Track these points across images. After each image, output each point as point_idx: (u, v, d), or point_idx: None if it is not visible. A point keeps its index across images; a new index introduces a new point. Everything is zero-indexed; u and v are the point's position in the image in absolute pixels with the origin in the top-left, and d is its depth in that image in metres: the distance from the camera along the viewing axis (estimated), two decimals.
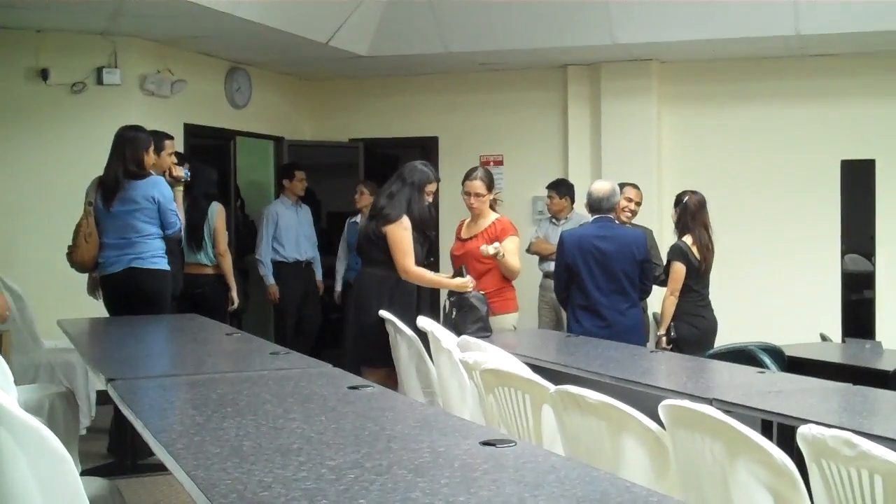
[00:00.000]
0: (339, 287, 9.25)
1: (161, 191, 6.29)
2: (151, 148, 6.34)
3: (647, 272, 6.52)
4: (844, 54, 9.14)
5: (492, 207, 6.64)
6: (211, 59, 8.86)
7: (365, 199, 8.53)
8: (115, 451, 6.41)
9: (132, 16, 7.29)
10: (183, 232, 6.65)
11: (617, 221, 6.75)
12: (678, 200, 7.02)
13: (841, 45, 8.89)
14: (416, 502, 1.95)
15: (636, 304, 6.52)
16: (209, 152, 8.65)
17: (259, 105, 9.47)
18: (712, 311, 6.95)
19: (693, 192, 7.00)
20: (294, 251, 8.77)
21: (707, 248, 6.87)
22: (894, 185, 9.10)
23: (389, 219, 6.02)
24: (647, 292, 6.68)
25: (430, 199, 6.20)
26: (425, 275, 6.12)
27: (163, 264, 6.36)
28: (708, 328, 6.86)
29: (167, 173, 6.60)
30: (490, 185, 6.57)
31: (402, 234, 6.00)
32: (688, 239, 6.85)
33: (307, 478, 2.12)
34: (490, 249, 6.27)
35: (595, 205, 6.53)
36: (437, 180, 6.31)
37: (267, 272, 8.73)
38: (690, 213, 6.89)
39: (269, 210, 8.87)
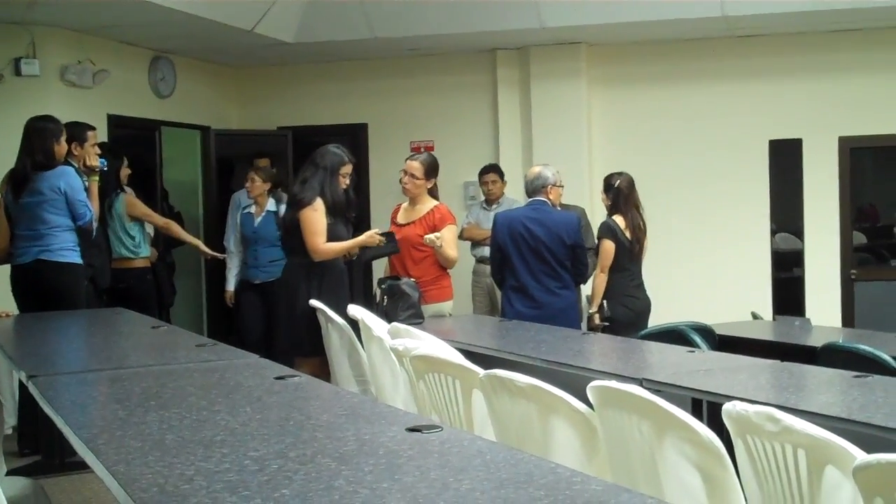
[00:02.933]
0: (230, 286, 8.35)
1: (68, 181, 6.17)
2: (63, 138, 6.23)
3: (579, 257, 6.53)
4: (771, 34, 9.23)
5: (433, 195, 6.59)
6: (133, 49, 8.71)
7: (258, 186, 8.03)
8: (30, 450, 6.35)
9: (50, 5, 7.13)
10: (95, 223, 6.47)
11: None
12: (609, 185, 7.05)
13: (767, 26, 8.98)
14: (340, 490, 1.94)
15: (569, 286, 6.53)
16: (134, 143, 8.48)
17: (184, 94, 9.34)
18: (645, 291, 7.00)
19: (620, 174, 7.07)
20: None
21: (639, 228, 6.92)
22: (821, 163, 9.23)
23: (302, 203, 5.97)
24: (583, 277, 6.69)
25: (347, 182, 6.15)
26: (334, 246, 6.05)
27: (73, 257, 6.23)
28: (641, 308, 6.91)
29: (82, 163, 6.46)
30: (429, 172, 6.50)
31: (312, 215, 5.95)
32: (619, 219, 6.89)
33: (230, 469, 2.11)
34: (431, 239, 6.23)
35: (528, 187, 6.60)
36: (352, 162, 6.25)
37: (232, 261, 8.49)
38: (623, 195, 6.94)
39: (234, 197, 8.78)
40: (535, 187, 6.57)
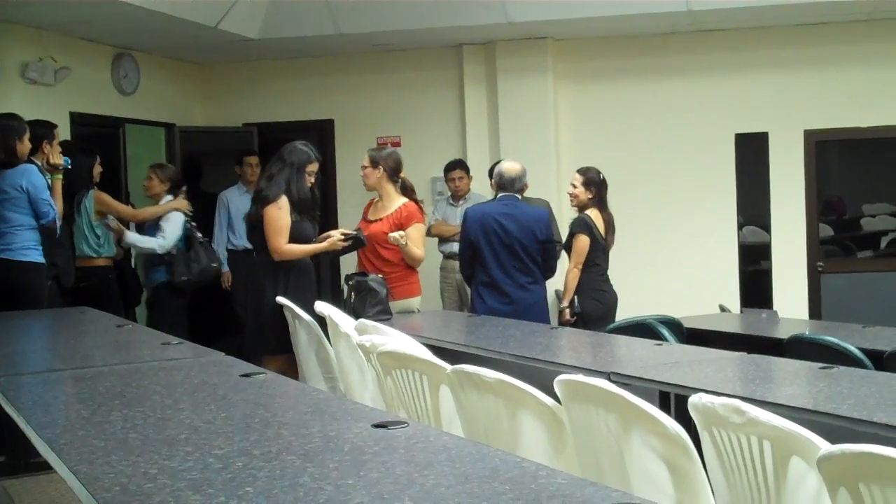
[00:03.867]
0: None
1: (30, 179, 6.11)
2: (27, 136, 6.16)
3: (549, 252, 6.55)
4: (736, 29, 9.27)
5: (405, 194, 6.56)
6: (96, 46, 8.62)
7: (154, 185, 7.80)
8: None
9: (9, 2, 7.04)
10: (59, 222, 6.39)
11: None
12: (592, 180, 6.99)
13: (733, 20, 9.01)
14: (304, 487, 1.94)
15: (538, 281, 6.54)
16: (97, 141, 8.39)
17: (148, 91, 9.25)
18: (612, 285, 7.02)
19: (598, 170, 7.09)
20: (244, 239, 8.45)
21: (610, 224, 6.95)
22: (787, 156, 9.28)
23: (267, 200, 5.94)
24: (552, 272, 6.70)
25: (313, 180, 6.12)
26: (295, 249, 6.01)
27: (35, 256, 6.17)
28: (610, 302, 6.93)
29: (45, 161, 6.40)
30: (375, 163, 6.47)
31: (275, 213, 5.92)
32: (594, 214, 6.89)
33: (193, 468, 2.10)
34: (395, 238, 6.21)
35: (508, 185, 6.53)
36: (319, 160, 6.23)
37: (221, 260, 8.41)
38: (604, 190, 6.98)
39: (222, 196, 8.69)
40: (515, 186, 6.56)
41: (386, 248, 6.34)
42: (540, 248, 6.46)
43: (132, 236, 7.53)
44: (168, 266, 7.53)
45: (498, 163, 7.02)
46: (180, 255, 7.52)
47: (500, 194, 6.60)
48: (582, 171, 7.04)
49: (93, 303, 6.39)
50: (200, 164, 9.81)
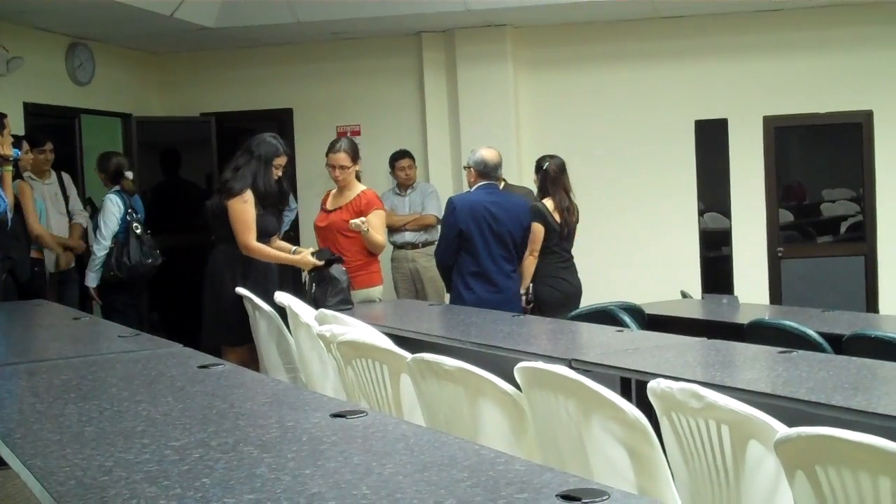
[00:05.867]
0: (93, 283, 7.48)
1: None
2: None
3: (526, 240, 6.58)
4: (696, 16, 9.30)
5: (358, 178, 6.54)
6: (50, 35, 8.50)
7: (102, 177, 7.65)
8: None
9: None
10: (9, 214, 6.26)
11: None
12: (539, 167, 7.09)
13: (692, 7, 9.05)
14: (262, 478, 1.93)
15: (517, 269, 6.56)
16: (53, 131, 8.29)
17: (104, 81, 9.15)
18: (575, 273, 7.02)
19: (552, 157, 7.11)
20: None
21: (568, 211, 6.95)
22: (747, 143, 9.33)
23: (232, 192, 5.89)
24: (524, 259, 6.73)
25: (280, 174, 6.07)
26: (265, 250, 5.98)
27: None
28: (570, 291, 6.93)
29: None
30: (355, 156, 6.44)
31: (241, 207, 5.87)
32: (548, 202, 6.91)
33: (150, 460, 2.09)
34: (357, 224, 6.17)
35: (491, 172, 6.50)
36: (287, 154, 6.17)
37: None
38: (551, 178, 7.00)
39: None
40: (498, 172, 6.56)
41: (347, 237, 6.30)
42: (523, 234, 6.48)
43: (89, 277, 7.39)
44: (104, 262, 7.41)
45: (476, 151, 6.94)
46: (114, 250, 7.39)
47: (480, 182, 6.52)
48: (537, 160, 7.11)
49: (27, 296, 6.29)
50: (179, 154, 9.75)
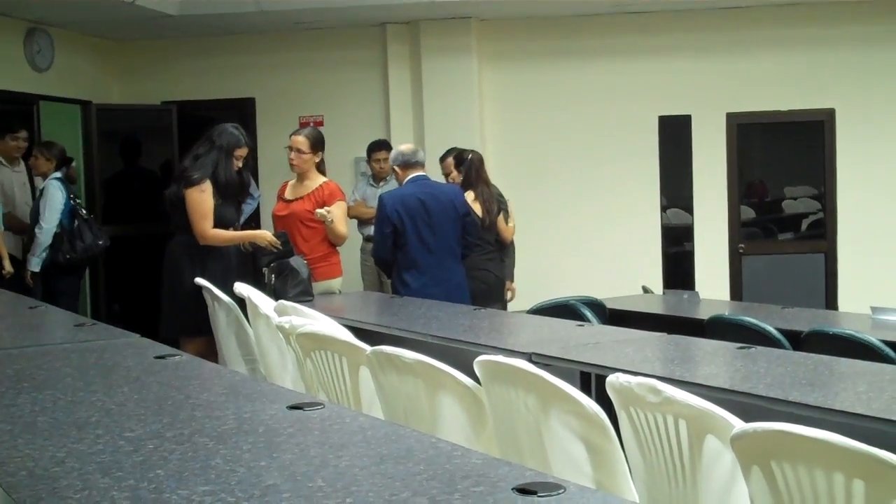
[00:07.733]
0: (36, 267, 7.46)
1: None
2: None
3: (468, 227, 6.50)
4: (660, 11, 9.35)
5: (321, 170, 6.47)
6: (7, 20, 8.39)
7: (41, 164, 7.59)
8: None
9: None
10: None
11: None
12: (461, 160, 7.16)
13: (656, 3, 9.10)
14: (216, 469, 1.91)
15: (460, 262, 6.52)
16: (10, 118, 8.18)
17: (63, 68, 9.05)
18: (499, 264, 7.09)
19: (473, 151, 7.22)
20: None
21: (490, 203, 6.97)
22: (710, 139, 9.40)
23: (190, 181, 5.84)
24: (470, 248, 6.67)
25: (240, 165, 6.02)
26: (220, 234, 5.93)
27: None
28: (493, 282, 6.99)
29: None
30: (315, 146, 6.36)
31: (198, 196, 5.82)
32: (469, 195, 6.91)
33: (103, 451, 2.07)
34: (322, 213, 6.13)
35: (410, 158, 6.46)
36: (248, 146, 6.12)
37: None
38: (475, 170, 7.01)
39: None
40: (418, 157, 6.50)
41: (308, 227, 6.26)
42: (460, 224, 6.43)
43: (32, 261, 7.32)
44: (51, 246, 7.36)
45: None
46: (63, 234, 7.35)
47: (410, 175, 6.48)
48: (456, 154, 7.14)
49: None
50: (140, 143, 9.66)
